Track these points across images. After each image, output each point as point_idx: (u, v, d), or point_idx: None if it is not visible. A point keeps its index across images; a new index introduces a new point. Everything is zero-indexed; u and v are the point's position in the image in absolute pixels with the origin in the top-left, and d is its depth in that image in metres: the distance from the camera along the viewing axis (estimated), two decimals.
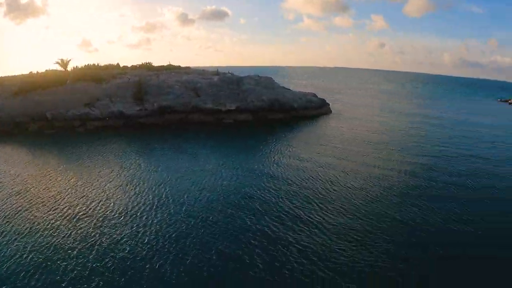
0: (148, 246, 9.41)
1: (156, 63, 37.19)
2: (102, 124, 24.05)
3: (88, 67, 31.62)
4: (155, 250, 9.25)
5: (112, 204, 11.99)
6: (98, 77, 27.55)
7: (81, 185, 13.64)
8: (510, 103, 60.49)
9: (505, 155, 21.21)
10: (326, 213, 11.83)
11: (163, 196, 12.80)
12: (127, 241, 9.59)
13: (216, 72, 33.49)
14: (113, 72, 30.37)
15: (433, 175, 16.30)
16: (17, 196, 12.45)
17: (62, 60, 31.84)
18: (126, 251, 9.10)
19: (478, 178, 16.14)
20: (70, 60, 32.26)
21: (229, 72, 33.97)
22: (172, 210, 11.63)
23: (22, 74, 29.74)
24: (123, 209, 11.55)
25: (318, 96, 34.86)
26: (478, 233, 10.99)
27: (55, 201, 12.05)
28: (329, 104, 34.24)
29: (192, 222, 10.80)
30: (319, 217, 11.47)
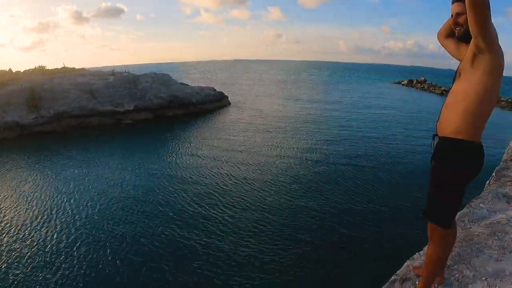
0: (50, 263, 9.13)
1: (51, 65, 35.07)
2: None
3: None
4: (57, 266, 9.00)
5: (7, 222, 11.36)
6: None
7: None
8: (402, 84, 67.02)
9: (398, 133, 23.55)
10: (228, 207, 12.18)
11: (61, 208, 12.36)
12: (27, 261, 9.21)
13: (112, 72, 32.94)
14: (3, 79, 28.12)
15: (333, 159, 17.38)
16: None
17: None
18: (27, 272, 8.77)
19: (374, 157, 17.73)
20: None
21: (125, 71, 33.83)
22: (71, 222, 11.31)
23: None
24: (20, 227, 11.03)
25: (217, 90, 35.71)
26: (378, 208, 12.07)
27: None
28: (227, 97, 35.37)
29: (93, 232, 10.65)
30: (221, 212, 11.81)
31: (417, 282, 2.76)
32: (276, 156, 18.15)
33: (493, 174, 5.65)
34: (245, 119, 28.07)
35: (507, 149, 7.50)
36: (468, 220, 3.95)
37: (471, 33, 1.95)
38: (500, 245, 3.29)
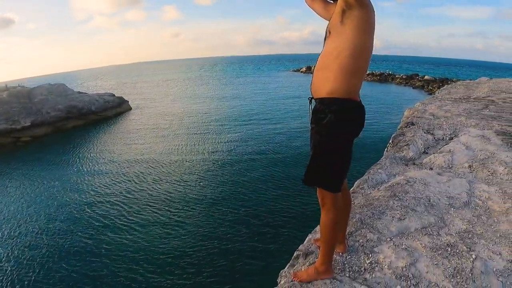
0: None
1: None
2: None
3: None
4: None
5: None
6: None
7: None
8: (301, 72, 69.71)
9: (303, 121, 23.53)
10: (135, 225, 11.23)
11: None
12: None
13: (5, 87, 30.67)
14: None
15: (241, 156, 17.12)
16: None
17: None
18: None
19: (282, 148, 17.83)
20: None
21: (18, 85, 31.70)
22: None
23: None
24: None
25: (116, 95, 34.67)
26: (287, 194, 12.25)
27: None
28: (128, 101, 34.43)
29: None
30: (129, 231, 10.86)
31: None
32: (181, 160, 17.59)
33: (390, 141, 5.76)
34: (147, 123, 27.32)
35: (402, 117, 7.79)
36: (368, 186, 3.89)
37: None
38: (401, 205, 3.22)
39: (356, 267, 2.40)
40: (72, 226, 11.53)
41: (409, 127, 6.44)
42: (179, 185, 14.07)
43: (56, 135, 26.01)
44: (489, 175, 4.08)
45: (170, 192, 13.43)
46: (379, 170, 4.29)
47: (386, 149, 5.66)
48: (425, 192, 3.50)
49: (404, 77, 51.63)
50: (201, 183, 14.09)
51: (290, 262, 2.69)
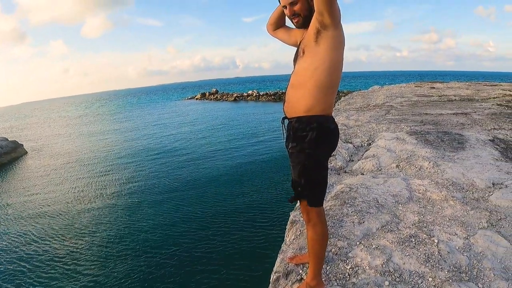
0: None
1: None
2: None
3: None
4: None
5: None
6: None
7: None
8: (196, 99, 70.22)
9: (206, 145, 23.83)
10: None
11: None
12: None
13: None
14: None
15: (150, 192, 15.97)
16: None
17: None
18: None
19: (204, 178, 16.80)
20: None
21: None
22: None
23: None
24: None
25: (9, 139, 31.98)
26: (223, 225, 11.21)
27: None
28: (22, 145, 31.96)
29: None
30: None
31: (301, 271, 2.61)
32: (85, 206, 15.55)
33: None
34: (47, 167, 24.70)
35: None
36: None
37: (316, 10, 1.88)
38: (355, 210, 3.41)
39: (340, 275, 2.48)
40: None
41: None
42: (87, 237, 12.24)
43: None
44: (417, 170, 4.48)
45: (78, 249, 11.49)
46: None
47: None
48: (370, 195, 3.74)
49: None
50: (111, 233, 12.42)
51: (271, 286, 2.67)
